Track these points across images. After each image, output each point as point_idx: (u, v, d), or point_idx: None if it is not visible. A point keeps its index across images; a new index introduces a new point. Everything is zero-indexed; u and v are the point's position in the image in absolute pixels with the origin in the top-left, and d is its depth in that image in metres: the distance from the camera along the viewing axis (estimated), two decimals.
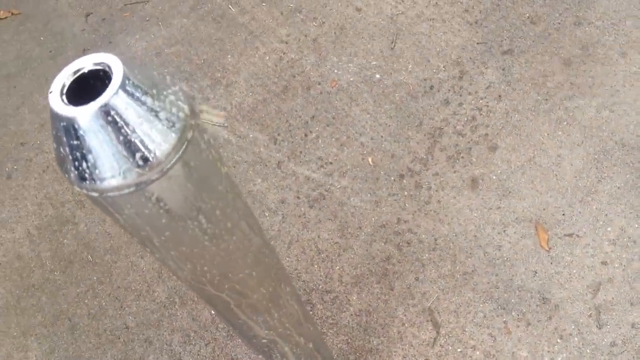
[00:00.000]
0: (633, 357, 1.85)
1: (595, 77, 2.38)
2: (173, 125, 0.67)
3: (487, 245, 2.10)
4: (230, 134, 2.54)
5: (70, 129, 0.63)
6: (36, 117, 2.86)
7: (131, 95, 0.64)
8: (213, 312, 2.17)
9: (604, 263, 2.01)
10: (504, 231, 2.12)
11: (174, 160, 0.68)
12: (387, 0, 2.82)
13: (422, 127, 2.41)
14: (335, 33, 2.78)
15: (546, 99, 2.37)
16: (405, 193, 2.27)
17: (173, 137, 0.67)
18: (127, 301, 2.28)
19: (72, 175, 0.67)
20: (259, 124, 2.56)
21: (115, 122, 0.63)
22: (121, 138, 0.63)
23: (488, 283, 2.04)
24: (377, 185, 2.31)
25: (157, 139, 0.65)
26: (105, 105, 0.61)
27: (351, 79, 2.62)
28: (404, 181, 2.30)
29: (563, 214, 2.11)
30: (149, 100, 0.65)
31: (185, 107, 0.71)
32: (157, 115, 0.66)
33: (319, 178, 2.36)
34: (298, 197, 2.34)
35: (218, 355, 2.08)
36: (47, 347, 2.23)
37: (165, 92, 0.69)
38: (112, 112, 0.62)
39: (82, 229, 2.48)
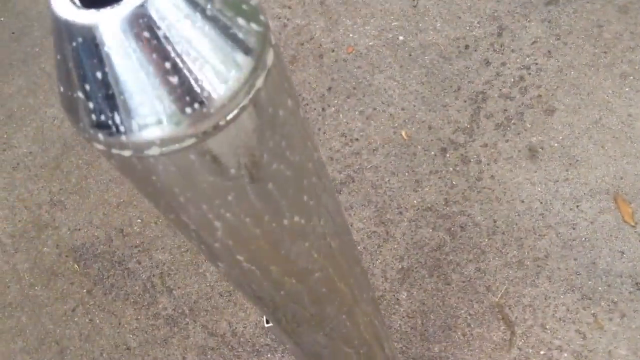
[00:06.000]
0: None
1: None
2: (247, 47, 0.43)
3: (559, 224, 1.76)
4: None
5: (88, 47, 0.40)
6: (1, 109, 2.45)
7: None
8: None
9: None
10: (577, 206, 1.78)
11: (247, 100, 0.44)
12: None
13: (461, 93, 2.06)
14: None
15: (605, 52, 2.04)
16: (451, 169, 1.92)
17: (247, 65, 0.43)
18: (125, 317, 1.89)
19: (89, 123, 0.43)
20: None
21: (158, 36, 0.40)
22: (167, 62, 0.40)
23: (566, 269, 1.69)
24: (415, 162, 1.96)
25: (222, 67, 0.42)
26: (143, 5, 0.39)
27: (370, 44, 2.26)
28: (447, 155, 1.95)
29: None
30: (208, 5, 0.41)
31: (262, 18, 0.46)
32: (223, 30, 0.42)
33: (344, 158, 2.01)
34: None
35: None
36: None
37: None
38: (154, 19, 0.39)
39: (64, 233, 2.09)
